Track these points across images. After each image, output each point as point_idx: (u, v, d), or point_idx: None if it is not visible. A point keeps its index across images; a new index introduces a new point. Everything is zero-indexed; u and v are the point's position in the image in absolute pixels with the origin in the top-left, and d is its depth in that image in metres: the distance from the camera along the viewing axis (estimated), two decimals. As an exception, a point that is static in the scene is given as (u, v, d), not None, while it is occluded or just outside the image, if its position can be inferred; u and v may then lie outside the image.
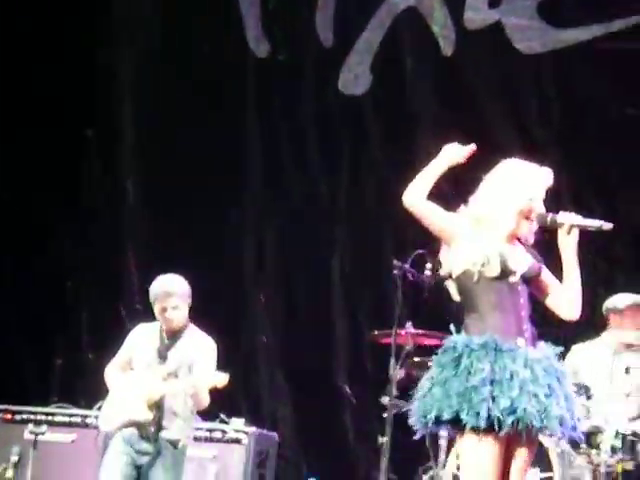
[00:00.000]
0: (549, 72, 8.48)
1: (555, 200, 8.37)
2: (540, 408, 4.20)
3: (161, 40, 9.09)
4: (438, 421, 4.32)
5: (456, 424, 4.29)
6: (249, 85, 9.04)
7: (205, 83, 8.93)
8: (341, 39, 8.91)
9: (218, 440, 7.20)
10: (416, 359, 7.29)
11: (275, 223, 8.87)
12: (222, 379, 5.87)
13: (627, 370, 6.66)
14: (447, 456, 6.87)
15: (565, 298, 4.42)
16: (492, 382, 4.22)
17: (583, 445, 6.72)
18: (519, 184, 4.48)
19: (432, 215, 4.44)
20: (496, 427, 4.19)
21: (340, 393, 8.61)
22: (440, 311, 8.23)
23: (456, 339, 4.39)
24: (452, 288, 4.49)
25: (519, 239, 4.48)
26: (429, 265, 7.24)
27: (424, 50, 8.79)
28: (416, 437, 4.48)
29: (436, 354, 7.22)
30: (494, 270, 4.33)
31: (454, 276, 4.45)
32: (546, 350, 4.35)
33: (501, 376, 4.22)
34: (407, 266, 7.19)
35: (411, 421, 4.48)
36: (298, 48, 8.96)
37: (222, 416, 7.29)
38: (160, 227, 8.82)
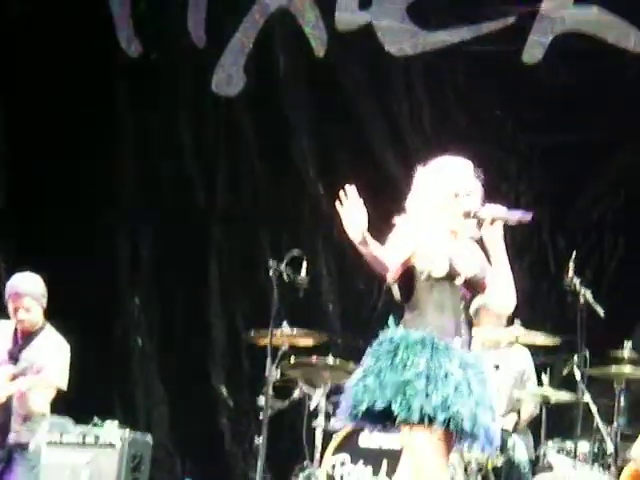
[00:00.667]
0: (420, 75, 8.59)
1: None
2: (470, 413, 4.23)
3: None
4: (369, 413, 4.29)
5: (387, 416, 4.28)
6: (121, 85, 8.95)
7: (75, 83, 8.80)
8: (214, 39, 8.88)
9: (91, 445, 7.12)
10: (292, 359, 7.33)
11: (150, 224, 8.80)
12: (63, 382, 5.80)
13: (497, 367, 6.79)
14: (322, 455, 6.92)
15: (498, 292, 4.43)
16: (427, 377, 4.23)
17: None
18: (443, 181, 4.51)
19: (405, 259, 4.43)
20: (426, 423, 4.20)
21: (216, 394, 8.59)
22: (315, 311, 8.35)
23: (394, 332, 4.37)
24: (394, 288, 4.47)
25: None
26: (305, 266, 7.29)
27: (297, 51, 8.82)
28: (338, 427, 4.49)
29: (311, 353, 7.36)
30: (441, 271, 4.37)
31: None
32: (478, 357, 4.42)
33: (436, 373, 4.24)
34: (283, 267, 7.22)
35: (339, 412, 4.41)
36: (170, 48, 8.89)
37: (95, 419, 7.21)
38: (30, 228, 8.68)
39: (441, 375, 4.24)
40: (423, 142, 8.62)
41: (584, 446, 6.59)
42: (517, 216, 4.49)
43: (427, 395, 4.21)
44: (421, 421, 4.20)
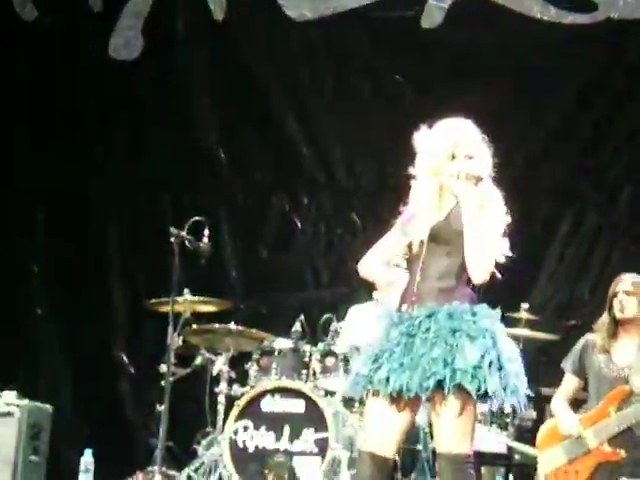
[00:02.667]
0: (320, 39, 8.58)
1: (329, 167, 8.68)
2: (375, 371, 4.25)
3: None
4: None
5: None
6: (18, 51, 8.76)
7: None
8: (110, 3, 8.74)
9: (-11, 414, 7.04)
10: (194, 326, 7.32)
11: (48, 191, 8.66)
12: None
13: None
14: (225, 421, 6.94)
15: (468, 259, 4.29)
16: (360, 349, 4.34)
17: (357, 404, 6.94)
18: (423, 150, 4.41)
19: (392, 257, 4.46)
20: (369, 391, 4.30)
21: (118, 362, 8.54)
22: (217, 279, 8.33)
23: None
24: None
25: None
26: (206, 232, 7.26)
27: (195, 14, 8.73)
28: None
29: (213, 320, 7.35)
30: (412, 249, 4.39)
31: None
32: (424, 312, 4.26)
33: (368, 343, 4.36)
34: (184, 234, 7.18)
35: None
36: (66, 12, 8.73)
37: (-8, 388, 7.13)
38: None
39: (370, 343, 4.35)
40: (324, 107, 8.64)
41: (482, 407, 6.71)
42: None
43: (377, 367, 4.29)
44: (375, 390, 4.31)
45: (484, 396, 4.18)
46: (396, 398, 4.24)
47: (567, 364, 6.02)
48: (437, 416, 4.19)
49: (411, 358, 4.20)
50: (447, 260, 4.30)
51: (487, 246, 4.28)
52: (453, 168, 4.35)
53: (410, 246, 4.39)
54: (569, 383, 5.99)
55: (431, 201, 4.39)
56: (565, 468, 5.70)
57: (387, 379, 4.22)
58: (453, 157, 4.38)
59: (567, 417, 5.83)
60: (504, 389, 4.17)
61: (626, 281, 5.89)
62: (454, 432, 4.17)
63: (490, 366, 4.14)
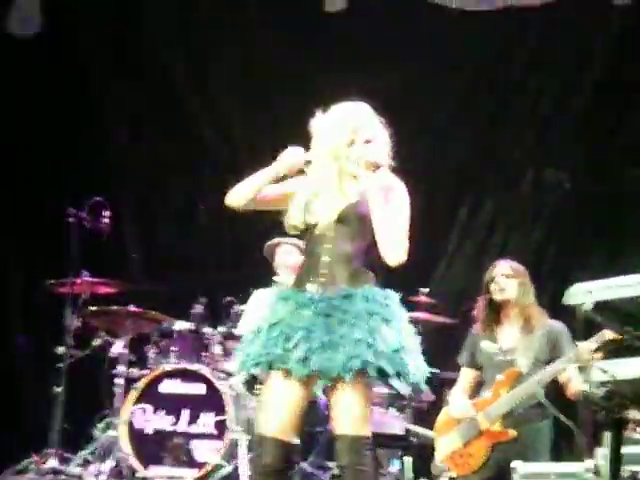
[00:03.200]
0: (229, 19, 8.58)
1: (232, 147, 8.64)
2: (290, 351, 4.22)
3: None
4: None
5: None
6: None
7: None
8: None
9: None
10: (92, 308, 7.24)
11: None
12: None
13: None
14: (123, 403, 6.88)
15: (382, 242, 4.28)
16: (260, 330, 4.30)
17: (258, 386, 6.93)
18: (321, 135, 4.42)
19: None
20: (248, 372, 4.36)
21: (15, 344, 8.41)
22: (116, 260, 8.25)
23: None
24: None
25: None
26: (106, 212, 7.18)
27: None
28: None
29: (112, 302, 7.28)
30: (299, 223, 4.38)
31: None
32: (344, 294, 4.24)
33: (269, 322, 4.29)
34: (83, 214, 7.10)
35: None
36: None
37: None
38: None
39: (272, 322, 4.29)
40: (227, 87, 8.61)
41: (381, 389, 6.76)
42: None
43: (247, 350, 4.32)
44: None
45: (396, 379, 4.22)
46: (304, 379, 4.24)
47: (461, 358, 6.12)
48: (340, 398, 4.20)
49: (329, 339, 4.19)
50: (353, 243, 4.32)
51: (398, 228, 4.28)
52: (353, 153, 4.35)
53: (309, 227, 4.37)
54: (464, 375, 6.10)
55: (333, 184, 4.39)
56: (460, 452, 5.78)
57: (305, 359, 4.19)
58: (352, 142, 4.37)
59: (458, 401, 5.92)
60: (416, 374, 4.24)
61: (504, 265, 6.02)
62: (357, 414, 4.19)
63: (406, 352, 4.20)
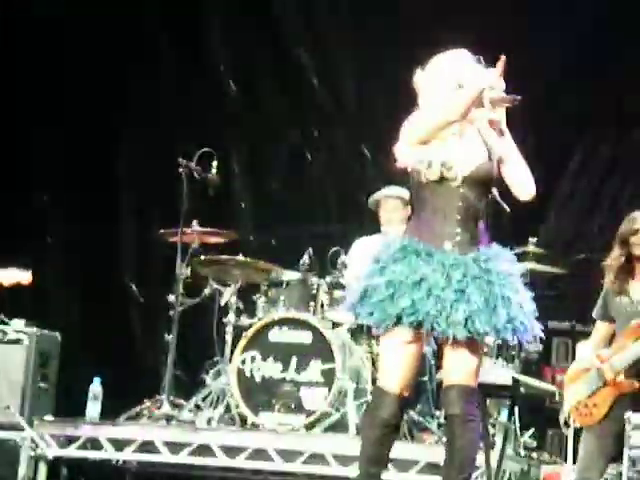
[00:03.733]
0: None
1: (340, 99, 8.61)
2: (444, 312, 4.19)
3: None
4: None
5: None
6: None
7: None
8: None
9: (-2, 341, 7.11)
10: (202, 257, 7.34)
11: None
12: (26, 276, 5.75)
13: None
14: (232, 351, 6.98)
15: (513, 180, 4.32)
16: (398, 284, 4.22)
17: (364, 336, 6.97)
18: (444, 76, 4.37)
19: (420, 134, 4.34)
20: (391, 325, 4.24)
21: (127, 291, 8.58)
22: (226, 210, 8.34)
23: (385, 240, 4.44)
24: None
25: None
26: (215, 164, 7.26)
27: None
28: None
29: (222, 251, 7.38)
30: (434, 174, 4.30)
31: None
32: (483, 254, 4.24)
33: (411, 279, 4.22)
34: (193, 164, 7.18)
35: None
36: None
37: (2, 316, 7.16)
38: None
39: (415, 279, 4.22)
40: (338, 39, 8.57)
41: (488, 339, 6.72)
42: (510, 97, 4.32)
43: (393, 300, 4.22)
44: (392, 325, 4.26)
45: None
46: (419, 335, 4.23)
47: (595, 311, 6.01)
48: (458, 350, 4.22)
49: (485, 300, 4.19)
50: (481, 201, 4.31)
51: (525, 165, 4.34)
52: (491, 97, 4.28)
53: (442, 181, 4.29)
54: (599, 329, 5.98)
55: (469, 136, 4.36)
56: (585, 402, 5.71)
57: (467, 320, 4.17)
58: (460, 86, 4.32)
59: (584, 352, 5.84)
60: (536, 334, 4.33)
61: None
62: (471, 366, 4.25)
63: (526, 315, 4.25)
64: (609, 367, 5.64)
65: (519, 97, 4.30)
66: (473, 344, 4.21)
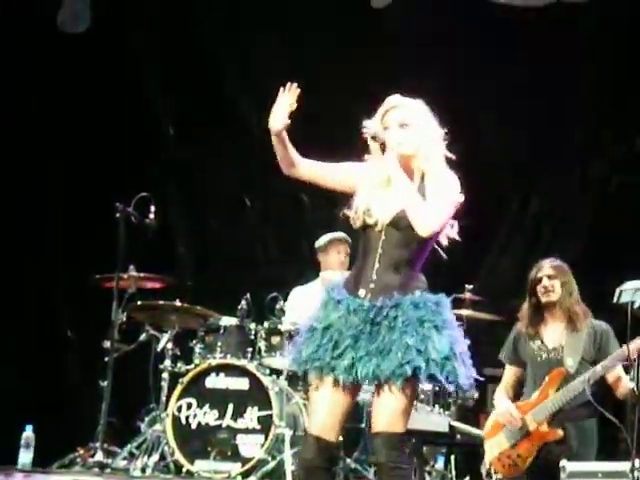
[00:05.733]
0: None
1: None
2: (340, 358, 4.23)
3: None
4: None
5: None
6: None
7: None
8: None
9: None
10: (139, 302, 7.29)
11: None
12: None
13: None
14: (168, 398, 6.92)
15: (411, 216, 4.24)
16: (313, 331, 4.29)
17: (301, 382, 6.95)
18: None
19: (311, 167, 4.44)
20: (301, 371, 4.36)
21: (63, 337, 8.48)
22: (163, 255, 8.29)
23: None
24: None
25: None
26: (153, 208, 7.23)
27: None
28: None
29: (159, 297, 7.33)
30: (358, 220, 4.33)
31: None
32: (395, 301, 4.20)
33: (322, 325, 4.27)
34: (130, 209, 7.16)
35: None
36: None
37: None
38: None
39: (323, 326, 4.27)
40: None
41: (425, 386, 6.73)
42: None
43: (306, 346, 4.30)
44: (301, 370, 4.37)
45: (455, 386, 4.23)
46: (347, 385, 4.23)
47: (503, 355, 6.09)
48: (384, 398, 4.19)
49: (377, 346, 4.19)
50: (406, 248, 4.27)
51: (421, 201, 4.22)
52: (389, 137, 4.29)
53: (366, 228, 4.32)
54: (508, 373, 6.07)
55: (391, 182, 4.33)
56: (508, 453, 5.76)
57: (352, 366, 4.19)
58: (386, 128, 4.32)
59: (502, 404, 5.90)
60: (467, 379, 4.23)
61: (546, 266, 5.98)
62: (396, 413, 4.19)
63: (456, 358, 4.18)
64: (531, 418, 5.69)
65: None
66: (402, 393, 4.16)
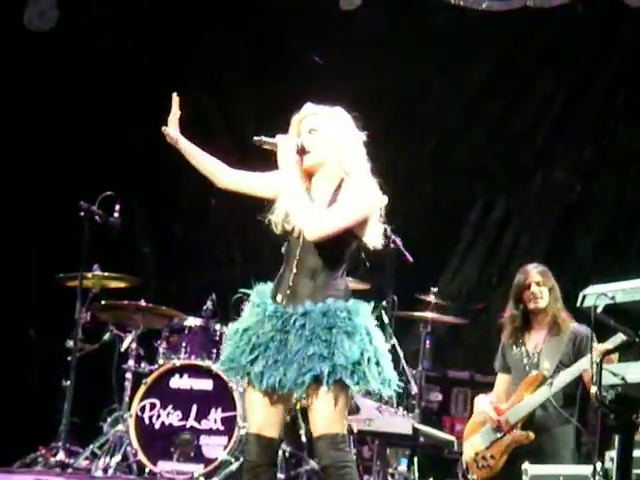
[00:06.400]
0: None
1: (243, 147, 8.64)
2: (250, 363, 4.27)
3: None
4: None
5: None
6: None
7: None
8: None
9: None
10: (102, 302, 7.25)
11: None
12: None
13: None
14: (132, 398, 6.89)
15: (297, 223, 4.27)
16: (233, 333, 4.33)
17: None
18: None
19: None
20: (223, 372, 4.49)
21: (25, 336, 8.42)
22: (128, 255, 8.26)
23: None
24: None
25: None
26: (117, 207, 7.20)
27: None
28: None
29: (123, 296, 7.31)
30: (277, 226, 4.33)
31: None
32: (305, 308, 4.23)
33: (240, 328, 4.31)
34: (94, 208, 7.12)
35: None
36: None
37: None
38: None
39: (242, 328, 4.30)
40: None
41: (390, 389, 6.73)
42: (271, 141, 4.37)
43: (227, 348, 4.35)
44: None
45: (364, 389, 4.26)
46: (270, 392, 4.26)
47: (495, 364, 6.09)
48: (312, 406, 4.23)
49: (285, 355, 4.22)
50: (321, 255, 4.27)
51: (309, 206, 4.23)
52: (295, 142, 4.33)
53: (287, 234, 4.32)
54: (499, 381, 6.07)
55: (304, 189, 4.34)
56: (483, 453, 5.78)
57: (262, 374, 4.24)
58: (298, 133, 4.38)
59: (481, 404, 5.91)
60: (382, 383, 4.24)
61: (533, 272, 5.95)
62: (327, 415, 4.21)
63: (369, 362, 4.19)
64: (505, 420, 5.72)
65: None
66: (327, 397, 4.18)
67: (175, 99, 4.48)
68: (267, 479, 4.31)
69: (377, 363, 4.22)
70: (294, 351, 4.20)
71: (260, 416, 4.30)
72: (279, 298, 4.29)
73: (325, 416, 4.20)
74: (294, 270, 4.28)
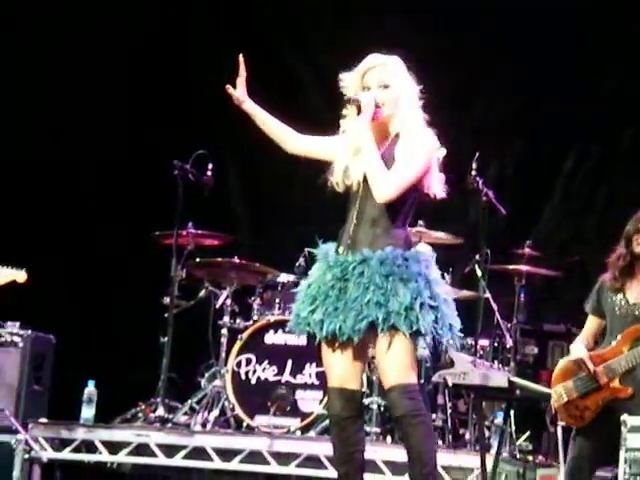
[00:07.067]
0: None
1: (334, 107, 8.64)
2: (311, 313, 4.34)
3: None
4: None
5: None
6: None
7: None
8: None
9: (-8, 344, 7.09)
10: (197, 259, 7.33)
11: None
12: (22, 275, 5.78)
13: None
14: (228, 354, 6.97)
15: (370, 184, 4.35)
16: (305, 288, 4.43)
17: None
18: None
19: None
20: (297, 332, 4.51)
21: (122, 294, 8.55)
22: (220, 212, 8.32)
23: None
24: None
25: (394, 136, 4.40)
26: (210, 166, 7.25)
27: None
28: None
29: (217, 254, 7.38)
30: (337, 182, 4.42)
31: None
32: (365, 256, 4.29)
33: (307, 282, 4.41)
34: (188, 166, 7.18)
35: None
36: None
37: (-5, 319, 7.17)
38: None
39: (309, 282, 4.41)
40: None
41: (484, 342, 6.72)
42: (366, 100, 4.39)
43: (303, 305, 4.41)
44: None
45: (418, 334, 4.26)
46: (332, 340, 4.32)
47: (587, 305, 5.99)
48: (380, 357, 4.28)
49: (345, 302, 4.29)
50: (381, 205, 4.33)
51: (380, 168, 4.29)
52: (365, 98, 4.37)
53: (348, 189, 4.41)
54: (590, 323, 5.96)
55: (366, 141, 4.38)
56: (576, 403, 5.70)
57: (322, 321, 4.31)
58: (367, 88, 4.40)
59: (577, 350, 5.83)
60: (441, 329, 4.27)
61: None
62: (396, 366, 4.24)
63: (422, 307, 4.23)
64: (603, 371, 5.63)
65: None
66: (395, 345, 4.23)
67: (241, 61, 4.52)
68: (354, 431, 4.39)
69: (435, 308, 4.27)
70: (352, 298, 4.28)
71: (339, 369, 4.38)
72: (340, 249, 4.37)
73: (393, 367, 4.24)
74: (354, 221, 4.36)
